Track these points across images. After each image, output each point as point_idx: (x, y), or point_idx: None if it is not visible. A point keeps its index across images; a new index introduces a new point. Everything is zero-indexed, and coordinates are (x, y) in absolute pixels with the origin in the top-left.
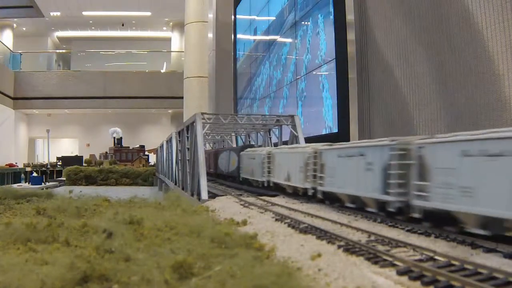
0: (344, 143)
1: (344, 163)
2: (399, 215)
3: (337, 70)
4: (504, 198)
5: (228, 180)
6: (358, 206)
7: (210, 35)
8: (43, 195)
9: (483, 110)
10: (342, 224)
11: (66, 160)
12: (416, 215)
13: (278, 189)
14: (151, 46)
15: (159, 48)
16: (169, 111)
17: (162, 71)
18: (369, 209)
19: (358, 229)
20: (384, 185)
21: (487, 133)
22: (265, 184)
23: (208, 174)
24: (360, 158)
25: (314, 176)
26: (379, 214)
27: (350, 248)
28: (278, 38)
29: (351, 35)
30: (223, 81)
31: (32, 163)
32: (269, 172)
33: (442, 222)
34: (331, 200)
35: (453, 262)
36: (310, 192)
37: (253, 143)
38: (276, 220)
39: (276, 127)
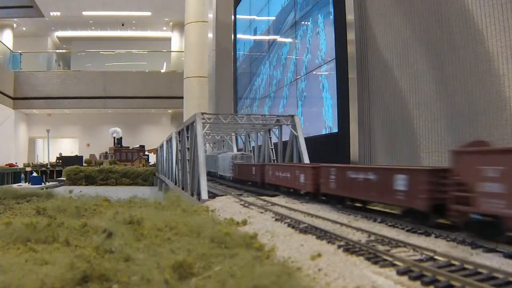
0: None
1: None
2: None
3: (337, 70)
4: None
5: None
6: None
7: (210, 35)
8: (43, 195)
9: (483, 110)
10: (342, 224)
11: (66, 160)
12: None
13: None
14: (151, 46)
15: (159, 48)
16: (169, 111)
17: (162, 71)
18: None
19: (358, 229)
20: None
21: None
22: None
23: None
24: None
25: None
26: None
27: (350, 248)
28: (278, 38)
29: (351, 35)
30: (223, 81)
31: (32, 163)
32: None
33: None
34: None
35: (453, 262)
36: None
37: (253, 143)
38: (276, 220)
39: (276, 127)
